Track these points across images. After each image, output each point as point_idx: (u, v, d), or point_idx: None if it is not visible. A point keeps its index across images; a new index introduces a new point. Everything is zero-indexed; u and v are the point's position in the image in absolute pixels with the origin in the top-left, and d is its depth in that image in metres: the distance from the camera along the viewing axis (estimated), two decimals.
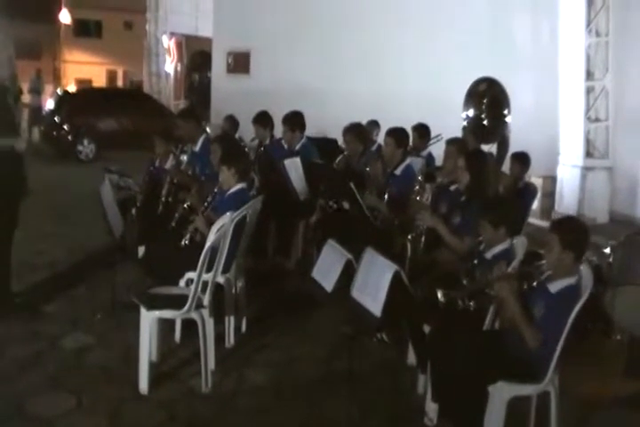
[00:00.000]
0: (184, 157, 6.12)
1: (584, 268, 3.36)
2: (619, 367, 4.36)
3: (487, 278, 3.53)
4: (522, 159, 6.29)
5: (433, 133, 7.05)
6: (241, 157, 5.21)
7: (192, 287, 3.93)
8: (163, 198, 5.85)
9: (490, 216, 3.88)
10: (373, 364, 4.36)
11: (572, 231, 3.32)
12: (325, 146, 7.17)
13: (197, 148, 6.25)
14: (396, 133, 5.66)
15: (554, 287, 3.31)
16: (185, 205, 5.29)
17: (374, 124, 7.99)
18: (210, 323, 4.12)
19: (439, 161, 6.47)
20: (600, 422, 3.83)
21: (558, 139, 9.25)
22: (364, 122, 7.12)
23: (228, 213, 4.20)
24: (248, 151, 6.65)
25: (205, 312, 4.06)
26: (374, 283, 3.33)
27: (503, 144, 6.40)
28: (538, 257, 3.94)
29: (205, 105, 17.65)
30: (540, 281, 3.43)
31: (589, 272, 3.33)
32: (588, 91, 9.01)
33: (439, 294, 3.44)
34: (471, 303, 3.56)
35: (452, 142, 5.49)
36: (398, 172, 5.55)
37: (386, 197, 5.38)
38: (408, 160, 5.69)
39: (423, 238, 4.69)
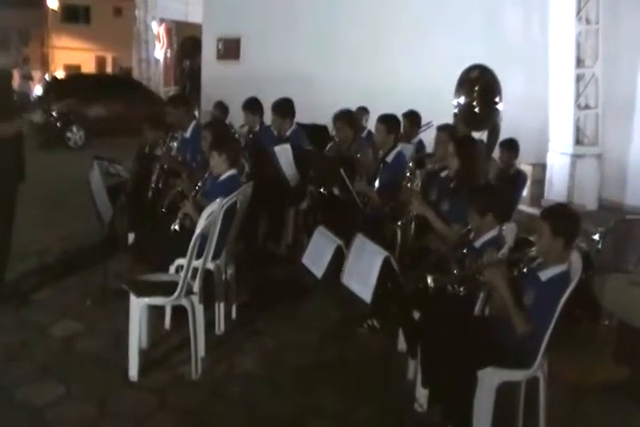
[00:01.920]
0: (174, 144, 6.09)
1: (574, 255, 3.36)
2: (607, 353, 4.40)
3: (478, 265, 3.54)
4: (510, 146, 6.30)
5: (424, 121, 7.04)
6: (232, 143, 5.18)
7: (182, 274, 3.92)
8: (152, 185, 5.82)
9: (475, 204, 3.88)
10: (363, 350, 4.37)
11: (563, 218, 3.32)
12: (315, 132, 7.15)
13: (188, 134, 6.22)
14: (388, 120, 5.64)
15: (544, 275, 3.31)
16: (175, 191, 5.26)
17: (363, 111, 7.97)
18: (200, 310, 4.11)
19: (430, 148, 6.48)
20: (588, 408, 3.86)
21: (548, 126, 9.27)
22: (353, 109, 7.09)
23: (217, 200, 4.18)
24: (238, 137, 6.62)
25: (195, 299, 4.05)
26: (364, 269, 3.33)
27: (494, 132, 6.40)
28: (528, 244, 3.95)
29: (198, 91, 17.58)
30: (530, 268, 3.44)
31: (579, 259, 3.33)
32: (578, 78, 9.02)
33: (429, 280, 3.44)
34: (461, 289, 3.57)
35: (442, 129, 5.49)
36: (389, 159, 5.54)
37: (376, 183, 5.38)
38: (399, 147, 5.67)
39: (413, 225, 4.70)
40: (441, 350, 3.39)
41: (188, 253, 3.84)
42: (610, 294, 4.41)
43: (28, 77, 17.98)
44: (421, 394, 3.66)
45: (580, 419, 3.76)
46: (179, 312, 4.26)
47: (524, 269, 3.45)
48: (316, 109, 7.99)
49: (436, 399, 3.57)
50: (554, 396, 3.48)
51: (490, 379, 3.24)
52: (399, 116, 6.03)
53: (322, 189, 5.77)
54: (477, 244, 3.90)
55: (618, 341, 4.46)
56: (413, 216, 4.65)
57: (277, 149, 6.01)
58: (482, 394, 3.25)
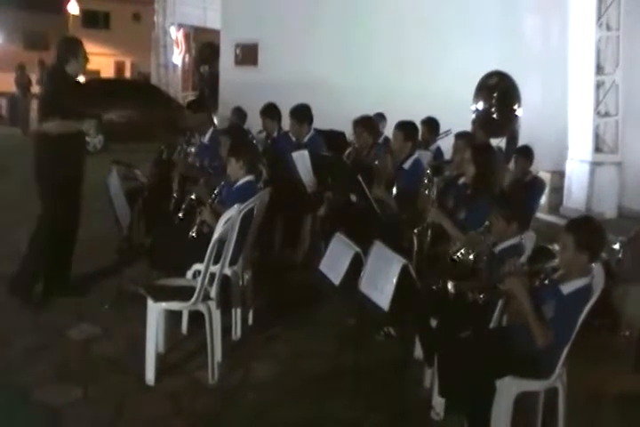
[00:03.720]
0: (191, 149, 6.12)
1: (596, 267, 3.30)
2: (627, 363, 4.35)
3: (498, 273, 3.50)
4: (525, 153, 6.24)
5: (442, 128, 7.02)
6: (249, 149, 5.19)
7: (199, 279, 3.93)
8: (174, 194, 5.83)
9: (503, 210, 3.84)
10: (380, 358, 4.35)
11: (589, 232, 3.24)
12: (333, 138, 7.14)
13: (206, 139, 6.25)
14: (406, 127, 5.63)
15: (566, 288, 3.24)
16: (192, 197, 5.28)
17: (381, 117, 7.97)
18: (217, 315, 4.11)
19: (447, 156, 6.46)
20: (608, 418, 3.82)
21: (567, 133, 9.20)
22: (371, 115, 7.08)
23: (235, 206, 4.18)
24: (256, 144, 6.64)
25: (212, 304, 4.05)
26: (382, 276, 3.32)
27: (512, 139, 6.37)
28: (546, 253, 3.91)
29: (216, 97, 17.66)
30: (551, 280, 3.39)
31: (601, 271, 3.28)
32: (598, 85, 8.94)
33: (449, 286, 3.42)
34: (480, 296, 3.54)
35: (461, 136, 5.48)
36: (406, 166, 5.52)
37: (394, 190, 5.36)
38: (416, 154, 5.66)
39: (430, 232, 4.68)
40: (458, 359, 3.36)
41: (206, 259, 3.85)
42: (631, 303, 4.36)
43: None
44: (438, 402, 3.63)
45: None
46: (196, 317, 4.27)
47: (545, 281, 3.40)
48: (334, 115, 7.99)
49: (452, 408, 3.55)
50: (573, 406, 3.45)
51: (508, 389, 3.22)
52: (417, 123, 6.01)
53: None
54: (496, 250, 3.86)
55: (638, 351, 4.41)
56: (430, 224, 4.63)
57: (295, 154, 6.01)
58: (500, 404, 3.22)
